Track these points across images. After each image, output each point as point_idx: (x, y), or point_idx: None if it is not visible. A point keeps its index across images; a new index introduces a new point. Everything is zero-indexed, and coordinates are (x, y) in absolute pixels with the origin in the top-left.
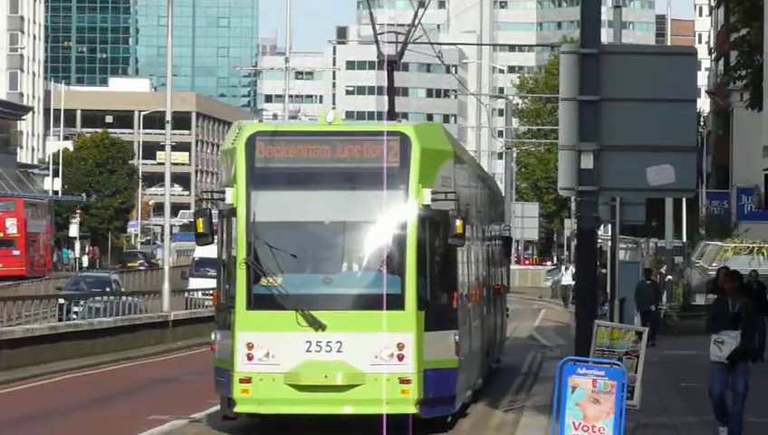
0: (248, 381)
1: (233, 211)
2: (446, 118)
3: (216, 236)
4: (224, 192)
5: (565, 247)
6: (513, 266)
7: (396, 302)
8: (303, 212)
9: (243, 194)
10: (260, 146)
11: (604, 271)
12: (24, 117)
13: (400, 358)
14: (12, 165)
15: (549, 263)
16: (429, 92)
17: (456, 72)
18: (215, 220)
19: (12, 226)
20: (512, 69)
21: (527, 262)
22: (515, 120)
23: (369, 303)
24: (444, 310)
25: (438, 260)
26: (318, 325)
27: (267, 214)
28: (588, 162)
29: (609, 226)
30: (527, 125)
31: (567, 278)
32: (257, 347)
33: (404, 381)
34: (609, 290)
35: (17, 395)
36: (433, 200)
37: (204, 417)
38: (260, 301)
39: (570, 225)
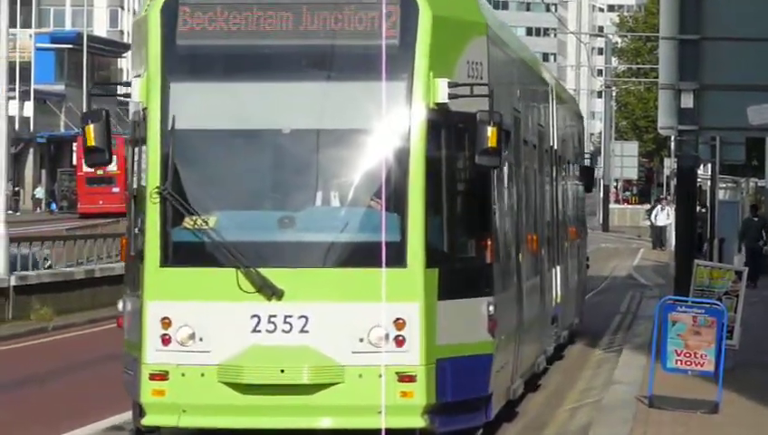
0: (163, 376)
1: (142, 114)
2: (545, 56)
3: (115, 153)
4: (129, 85)
5: (664, 187)
6: (612, 205)
7: (392, 254)
8: (250, 115)
9: (156, 87)
10: (183, 14)
11: (704, 210)
12: (123, 55)
13: (399, 342)
14: (112, 102)
15: (648, 203)
16: (529, 31)
17: (555, 11)
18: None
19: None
20: (611, 7)
21: (626, 202)
22: (615, 58)
23: (350, 255)
24: (471, 267)
25: (463, 190)
26: (271, 291)
27: (194, 118)
28: (688, 101)
29: (709, 165)
30: (627, 64)
31: (662, 219)
32: (176, 325)
33: (405, 377)
34: (708, 229)
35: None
36: (451, 97)
37: None
38: (181, 253)
39: (669, 164)
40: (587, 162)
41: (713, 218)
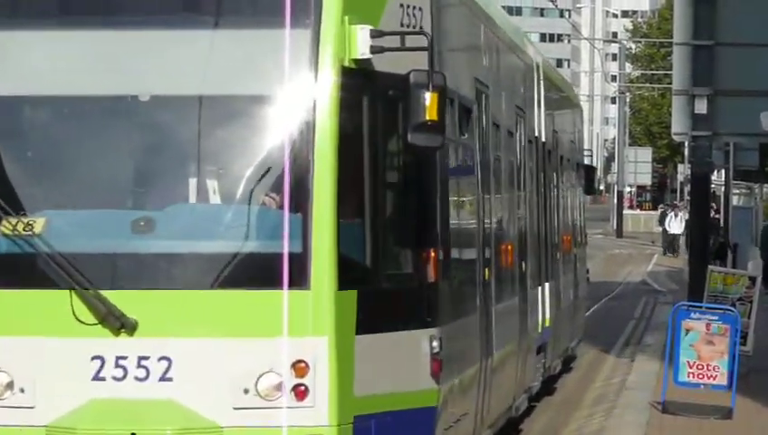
0: None
1: None
2: (559, 62)
3: None
4: None
5: (678, 193)
6: (626, 211)
7: (290, 270)
8: (92, 77)
9: None
10: None
11: (717, 216)
12: None
13: (300, 393)
14: None
15: (661, 207)
16: (543, 37)
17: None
18: None
19: None
20: (625, 13)
21: (639, 208)
22: (629, 64)
23: (230, 272)
24: (405, 287)
25: (394, 181)
26: (120, 323)
27: (7, 80)
28: (702, 107)
29: (723, 171)
30: (640, 70)
31: (675, 226)
32: None
33: None
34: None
35: None
36: (375, 51)
37: None
38: None
39: (683, 170)
40: (587, 161)
41: (726, 224)
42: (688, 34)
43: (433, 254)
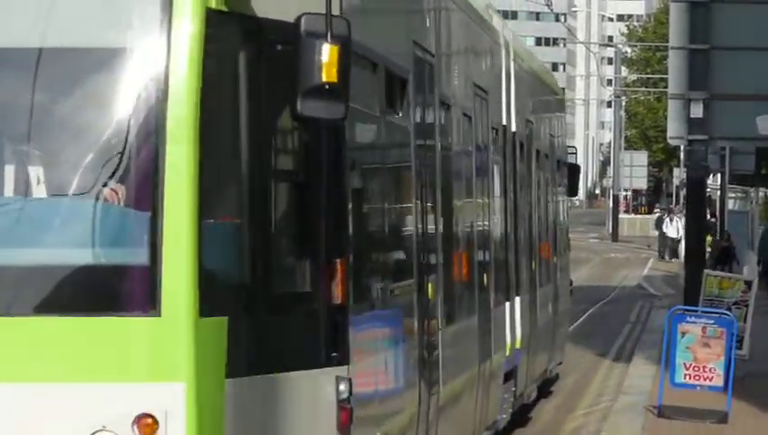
0: None
1: None
2: (554, 66)
3: None
4: None
5: (674, 197)
6: (622, 215)
7: (133, 290)
8: None
9: None
10: None
11: (713, 220)
12: None
13: None
14: None
15: (657, 211)
16: (538, 41)
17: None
18: None
19: None
20: (621, 17)
21: (635, 211)
22: (624, 68)
23: (52, 293)
24: (301, 313)
25: (283, 170)
26: None
27: None
28: (697, 111)
29: (719, 175)
30: (636, 74)
31: (672, 230)
32: None
33: None
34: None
35: None
36: None
37: None
38: None
39: (679, 174)
40: (570, 159)
41: (722, 228)
42: (684, 39)
43: (340, 266)
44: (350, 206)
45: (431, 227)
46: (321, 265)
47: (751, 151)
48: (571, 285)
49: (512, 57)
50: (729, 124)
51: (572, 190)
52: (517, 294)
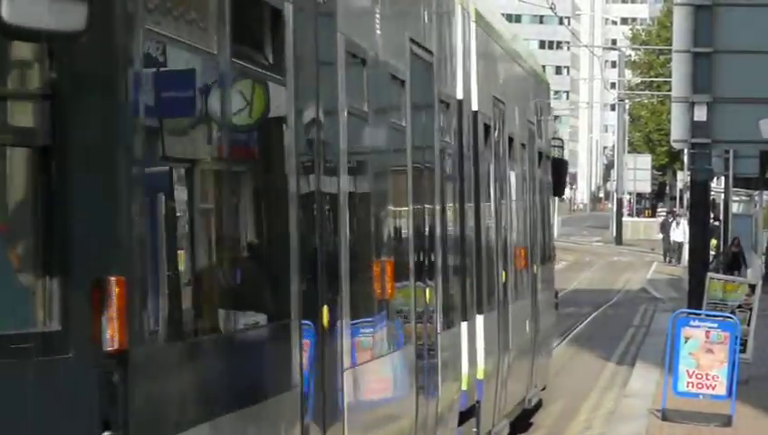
0: None
1: None
2: (558, 69)
3: None
4: None
5: (677, 200)
6: (626, 219)
7: None
8: None
9: None
10: None
11: (717, 223)
12: None
13: None
14: None
15: (661, 213)
16: (542, 44)
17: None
18: None
19: None
20: (624, 20)
21: (639, 215)
22: (628, 71)
23: None
24: (35, 366)
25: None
26: None
27: None
28: (701, 114)
29: (723, 178)
30: (640, 77)
31: (678, 234)
32: None
33: None
34: (722, 242)
35: None
36: None
37: None
38: None
39: (682, 177)
40: (555, 151)
41: (726, 232)
42: (688, 42)
43: (117, 288)
44: (128, 195)
45: (316, 226)
46: (68, 289)
47: (755, 154)
48: (556, 297)
49: (472, 20)
50: (733, 127)
51: (558, 189)
52: (479, 312)
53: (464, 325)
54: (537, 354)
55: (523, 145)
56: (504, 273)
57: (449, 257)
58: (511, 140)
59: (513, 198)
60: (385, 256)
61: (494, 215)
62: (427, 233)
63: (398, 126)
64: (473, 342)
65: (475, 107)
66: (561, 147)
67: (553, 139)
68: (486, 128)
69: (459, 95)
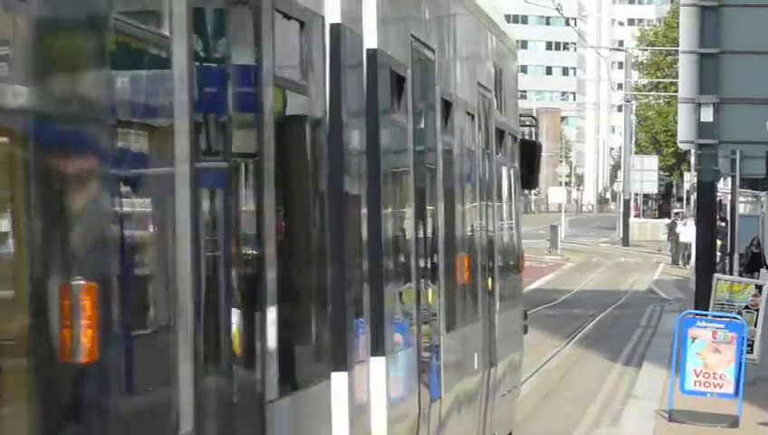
0: None
1: None
2: (565, 71)
3: None
4: None
5: (684, 201)
6: (633, 220)
7: None
8: None
9: None
10: None
11: (723, 224)
12: None
13: None
14: None
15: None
16: (549, 45)
17: (575, 25)
18: None
19: None
20: (631, 21)
21: (644, 216)
22: (635, 72)
23: None
24: None
25: None
26: None
27: None
28: (708, 115)
29: (729, 179)
30: (647, 78)
31: (686, 235)
32: None
33: None
34: (729, 243)
35: None
36: None
37: None
38: None
39: (689, 178)
40: (525, 131)
41: (733, 233)
42: (694, 43)
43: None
44: None
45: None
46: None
47: (761, 155)
48: (525, 317)
49: None
50: (739, 128)
51: (529, 179)
52: (376, 353)
53: (334, 379)
54: (492, 396)
55: (470, 115)
56: (430, 292)
57: (331, 275)
58: (447, 104)
59: (453, 186)
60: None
61: (414, 209)
62: (304, 238)
63: (288, 97)
64: (367, 396)
65: (372, 42)
66: (535, 126)
67: (523, 116)
68: (398, 81)
69: (332, 16)
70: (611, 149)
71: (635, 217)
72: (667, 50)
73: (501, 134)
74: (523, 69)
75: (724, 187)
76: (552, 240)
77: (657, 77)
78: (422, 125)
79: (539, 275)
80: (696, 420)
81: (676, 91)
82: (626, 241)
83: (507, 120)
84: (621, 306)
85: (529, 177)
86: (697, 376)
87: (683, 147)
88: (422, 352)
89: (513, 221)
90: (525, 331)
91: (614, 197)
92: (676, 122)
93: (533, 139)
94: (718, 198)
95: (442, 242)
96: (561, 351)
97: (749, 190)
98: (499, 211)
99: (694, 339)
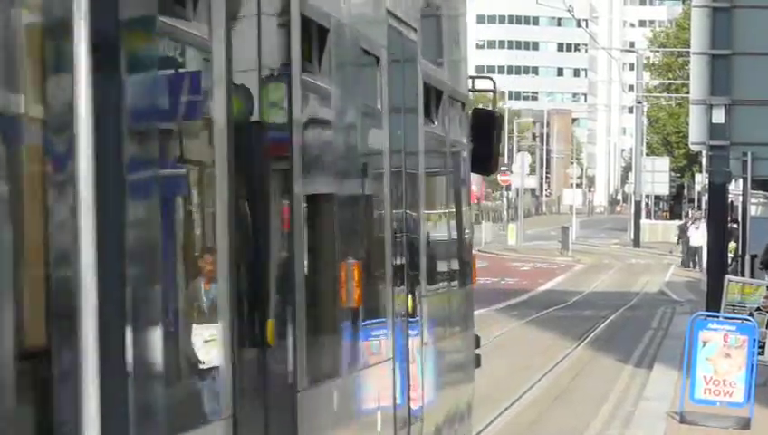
0: None
1: None
2: (576, 72)
3: None
4: None
5: (696, 202)
6: (644, 221)
7: None
8: None
9: None
10: None
11: (735, 226)
12: None
13: None
14: None
15: (683, 218)
16: (560, 47)
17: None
18: None
19: None
20: (642, 23)
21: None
22: (646, 73)
23: None
24: None
25: None
26: None
27: None
28: (719, 117)
29: (741, 180)
30: (658, 79)
31: (697, 238)
32: None
33: None
34: (740, 245)
35: None
36: None
37: None
38: None
39: (701, 180)
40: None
41: (744, 234)
42: (706, 44)
43: None
44: None
45: None
46: None
47: None
48: (477, 346)
49: None
50: (751, 130)
51: (485, 162)
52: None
53: None
54: None
55: (370, 56)
56: (270, 323)
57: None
58: (320, 30)
59: (323, 161)
60: None
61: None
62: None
63: None
64: None
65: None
66: (493, 90)
67: (475, 77)
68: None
69: None
70: (623, 150)
71: (646, 218)
72: (678, 51)
73: (436, 96)
74: (535, 70)
75: (735, 188)
76: (564, 242)
77: (669, 78)
78: (244, 48)
79: (550, 277)
80: (707, 422)
81: (688, 93)
82: (637, 242)
83: (448, 79)
84: (632, 308)
85: (484, 159)
86: (707, 383)
87: (694, 148)
88: (239, 426)
89: (458, 217)
90: (478, 363)
91: (625, 198)
92: (687, 124)
93: (491, 109)
94: (730, 200)
95: (282, 248)
96: (572, 352)
97: (761, 192)
98: (429, 201)
99: (705, 343)
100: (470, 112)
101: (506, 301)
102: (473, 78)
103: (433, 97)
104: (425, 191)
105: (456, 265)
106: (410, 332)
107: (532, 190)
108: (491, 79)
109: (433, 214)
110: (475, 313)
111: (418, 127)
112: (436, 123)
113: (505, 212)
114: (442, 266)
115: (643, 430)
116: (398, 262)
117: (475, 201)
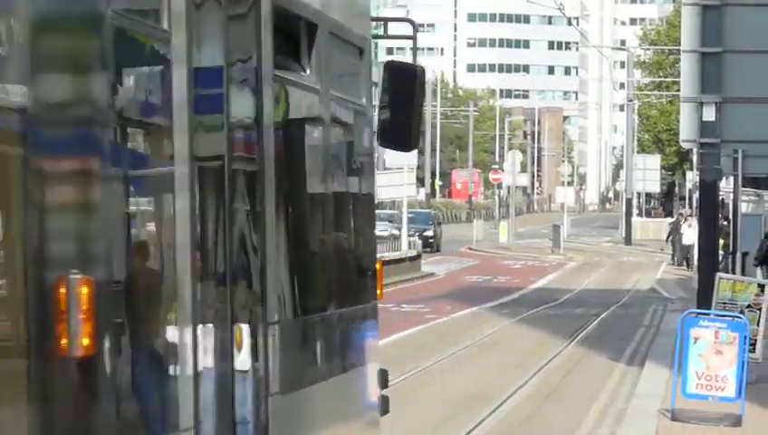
0: None
1: None
2: (567, 70)
3: None
4: None
5: (687, 200)
6: (635, 219)
7: None
8: None
9: None
10: None
11: (726, 223)
12: None
13: None
14: None
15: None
16: (551, 45)
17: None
18: None
19: None
20: (633, 21)
21: (647, 215)
22: (637, 71)
23: None
24: None
25: None
26: None
27: None
28: (710, 114)
29: (732, 178)
30: (649, 77)
31: (690, 236)
32: None
33: None
34: (731, 243)
35: None
36: None
37: None
38: None
39: (691, 177)
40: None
41: (735, 231)
42: (696, 42)
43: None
44: None
45: None
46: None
47: (764, 154)
48: (383, 385)
49: None
50: (741, 127)
51: (398, 132)
52: None
53: None
54: None
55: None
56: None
57: None
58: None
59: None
60: None
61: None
62: None
63: None
64: None
65: None
66: (413, 37)
67: (389, 19)
68: None
69: None
70: (614, 148)
71: (637, 216)
72: (669, 49)
73: (307, 31)
74: (526, 68)
75: (726, 186)
76: (555, 240)
77: (660, 76)
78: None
79: (542, 275)
80: (699, 419)
81: (679, 91)
82: (628, 240)
83: (331, 13)
84: (624, 305)
85: (399, 129)
86: (699, 379)
87: (685, 146)
88: None
89: (346, 211)
90: (385, 409)
91: (616, 196)
92: (678, 121)
93: (411, 63)
94: (720, 197)
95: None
96: (563, 350)
97: (751, 189)
98: (287, 194)
99: (696, 339)
100: (383, 66)
101: (497, 299)
102: (386, 20)
103: (302, 33)
104: (276, 179)
105: (341, 278)
106: (241, 379)
107: (524, 188)
108: (410, 21)
109: (297, 212)
110: (467, 310)
111: (261, 76)
112: (306, 72)
113: (497, 210)
114: (314, 284)
115: (634, 428)
116: (217, 288)
117: (468, 199)
